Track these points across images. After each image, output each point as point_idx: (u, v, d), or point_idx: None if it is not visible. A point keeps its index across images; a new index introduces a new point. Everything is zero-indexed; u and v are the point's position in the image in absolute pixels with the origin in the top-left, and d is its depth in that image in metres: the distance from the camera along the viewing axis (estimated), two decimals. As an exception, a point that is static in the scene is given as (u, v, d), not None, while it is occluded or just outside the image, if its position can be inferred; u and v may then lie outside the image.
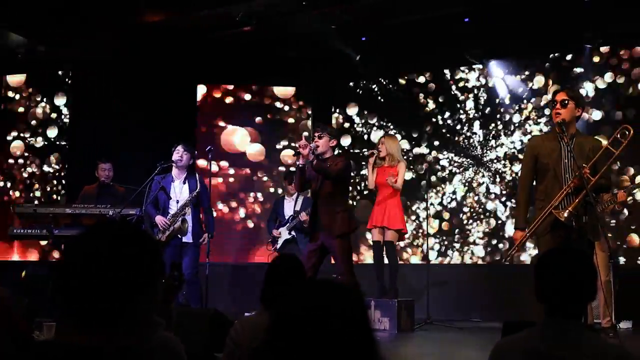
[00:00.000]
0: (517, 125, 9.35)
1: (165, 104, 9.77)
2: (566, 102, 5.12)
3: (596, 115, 8.79)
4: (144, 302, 1.64)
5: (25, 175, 10.37)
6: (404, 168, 7.99)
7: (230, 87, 10.60)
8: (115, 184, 8.22)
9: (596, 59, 8.88)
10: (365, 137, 10.32)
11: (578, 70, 8.99)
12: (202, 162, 9.89)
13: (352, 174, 8.14)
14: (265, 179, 10.48)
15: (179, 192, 7.30)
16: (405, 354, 6.40)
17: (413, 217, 9.89)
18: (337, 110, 10.56)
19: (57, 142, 10.29)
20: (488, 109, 9.57)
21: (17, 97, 10.56)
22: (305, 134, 7.21)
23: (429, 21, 8.85)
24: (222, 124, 10.54)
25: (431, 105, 9.92)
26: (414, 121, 10.03)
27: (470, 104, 9.69)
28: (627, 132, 5.23)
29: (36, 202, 9.97)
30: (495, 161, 9.45)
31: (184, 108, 10.28)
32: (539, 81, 9.27)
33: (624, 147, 5.21)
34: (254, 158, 10.50)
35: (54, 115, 10.36)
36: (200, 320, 4.70)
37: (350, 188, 8.73)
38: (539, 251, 5.26)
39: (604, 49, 8.85)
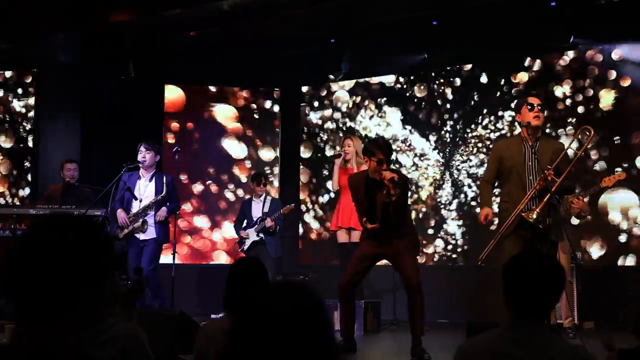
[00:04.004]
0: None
1: (132, 103, 9.68)
2: (543, 106, 5.28)
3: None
4: (95, 294, 1.62)
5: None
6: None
7: (198, 87, 10.55)
8: (81, 184, 8.14)
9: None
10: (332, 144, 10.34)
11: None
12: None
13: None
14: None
15: (144, 190, 7.32)
16: (370, 354, 6.43)
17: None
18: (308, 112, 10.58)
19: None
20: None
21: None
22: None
23: (398, 24, 8.91)
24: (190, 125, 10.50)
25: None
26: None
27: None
28: (588, 133, 5.36)
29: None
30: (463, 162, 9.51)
31: (151, 108, 10.19)
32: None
33: (586, 148, 5.33)
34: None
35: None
36: (165, 322, 4.69)
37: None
38: (503, 253, 5.33)
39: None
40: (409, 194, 8.02)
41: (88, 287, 1.60)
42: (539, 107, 5.25)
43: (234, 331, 1.46)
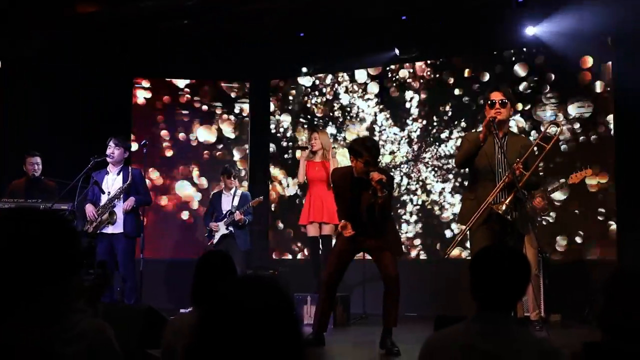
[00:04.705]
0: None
1: (99, 96, 9.55)
2: (505, 102, 5.28)
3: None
4: (60, 288, 1.60)
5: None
6: (337, 163, 8.06)
7: (168, 80, 10.45)
8: (46, 178, 8.01)
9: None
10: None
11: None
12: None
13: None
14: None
15: (112, 184, 7.31)
16: (339, 348, 6.44)
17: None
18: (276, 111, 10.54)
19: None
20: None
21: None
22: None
23: (367, 19, 8.92)
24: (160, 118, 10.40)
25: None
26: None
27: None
28: (555, 128, 5.42)
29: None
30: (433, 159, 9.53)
31: (119, 101, 10.07)
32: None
33: (553, 143, 5.39)
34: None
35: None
36: (133, 317, 4.65)
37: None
38: (471, 245, 5.38)
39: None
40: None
41: (52, 281, 1.58)
42: (500, 103, 5.28)
43: (201, 326, 1.45)
